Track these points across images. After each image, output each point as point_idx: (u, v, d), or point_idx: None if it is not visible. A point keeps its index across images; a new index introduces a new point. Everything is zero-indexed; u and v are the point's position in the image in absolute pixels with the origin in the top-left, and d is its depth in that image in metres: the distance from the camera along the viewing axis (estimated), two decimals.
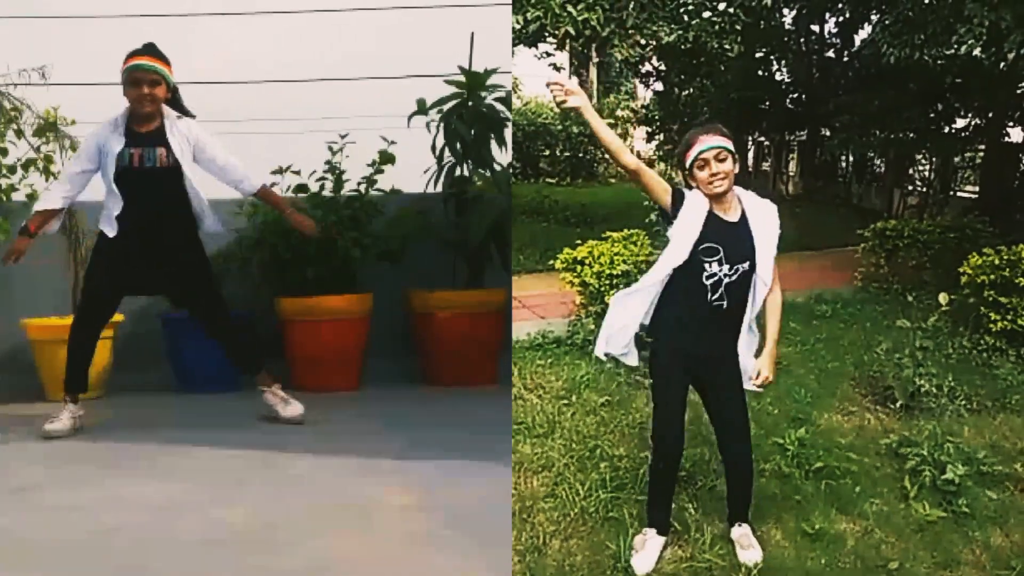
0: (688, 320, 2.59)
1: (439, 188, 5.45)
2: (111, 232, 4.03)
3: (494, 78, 5.39)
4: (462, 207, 5.37)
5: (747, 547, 2.71)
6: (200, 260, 4.21)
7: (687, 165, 2.55)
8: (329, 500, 2.96)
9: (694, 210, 2.54)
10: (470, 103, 5.37)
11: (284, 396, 4.24)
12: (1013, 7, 4.54)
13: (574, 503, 3.04)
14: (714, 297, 2.54)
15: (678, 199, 2.56)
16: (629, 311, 2.66)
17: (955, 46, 4.89)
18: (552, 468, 3.33)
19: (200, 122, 4.18)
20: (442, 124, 5.37)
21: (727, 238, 2.54)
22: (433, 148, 5.42)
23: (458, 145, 5.35)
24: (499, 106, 5.41)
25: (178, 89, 4.12)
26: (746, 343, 2.67)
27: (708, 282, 2.53)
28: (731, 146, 2.53)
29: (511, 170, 5.75)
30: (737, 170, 2.56)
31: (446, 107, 5.38)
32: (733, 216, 2.58)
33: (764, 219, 2.58)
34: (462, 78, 5.38)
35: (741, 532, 2.75)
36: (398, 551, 2.48)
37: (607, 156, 15.16)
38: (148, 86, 3.93)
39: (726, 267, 2.52)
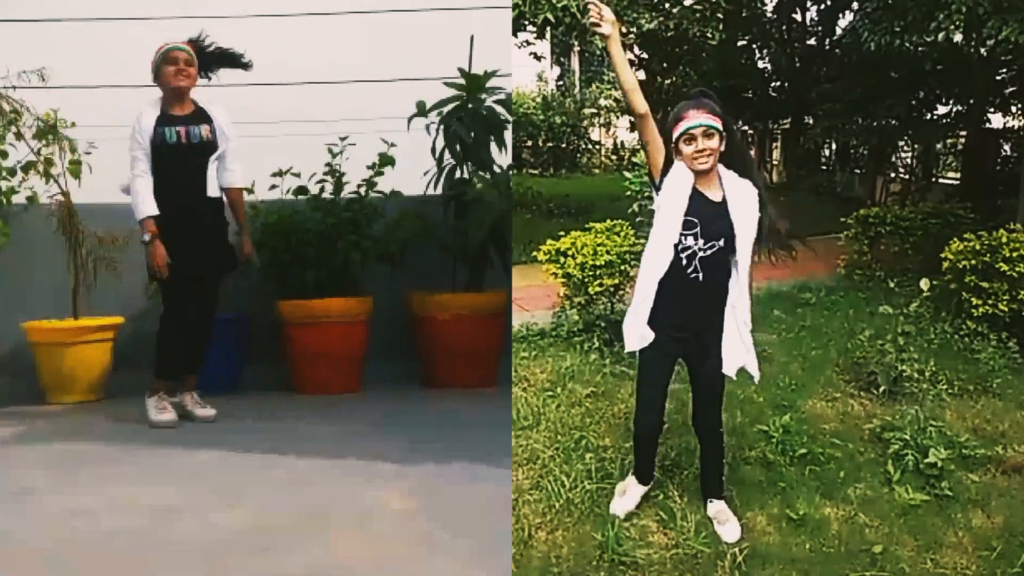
0: (668, 291, 2.62)
1: (439, 190, 5.44)
2: (155, 211, 4.11)
3: (493, 80, 5.38)
4: (462, 209, 5.35)
5: (724, 522, 2.77)
6: (228, 245, 4.39)
7: (674, 139, 2.56)
8: (329, 502, 2.95)
9: (680, 184, 2.56)
10: (470, 105, 5.36)
11: (199, 401, 4.40)
12: None
13: (560, 494, 3.03)
14: (688, 270, 2.59)
15: (667, 165, 2.58)
16: (650, 298, 2.65)
17: (934, 33, 4.91)
18: (537, 460, 3.32)
19: None
20: (442, 126, 5.36)
21: (706, 214, 2.56)
22: (433, 150, 5.41)
23: (458, 147, 5.33)
24: (499, 108, 5.40)
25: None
26: (736, 333, 2.66)
27: (683, 255, 2.57)
28: (719, 125, 2.53)
29: (511, 172, 5.73)
30: (723, 148, 2.56)
31: (446, 109, 5.37)
32: (715, 195, 2.60)
33: (744, 200, 2.59)
34: (462, 80, 5.37)
35: (717, 508, 2.82)
36: (398, 554, 2.47)
37: (590, 147, 15.17)
38: (184, 63, 4.19)
39: (701, 241, 2.56)
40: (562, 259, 4.96)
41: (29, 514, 2.92)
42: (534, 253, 5.26)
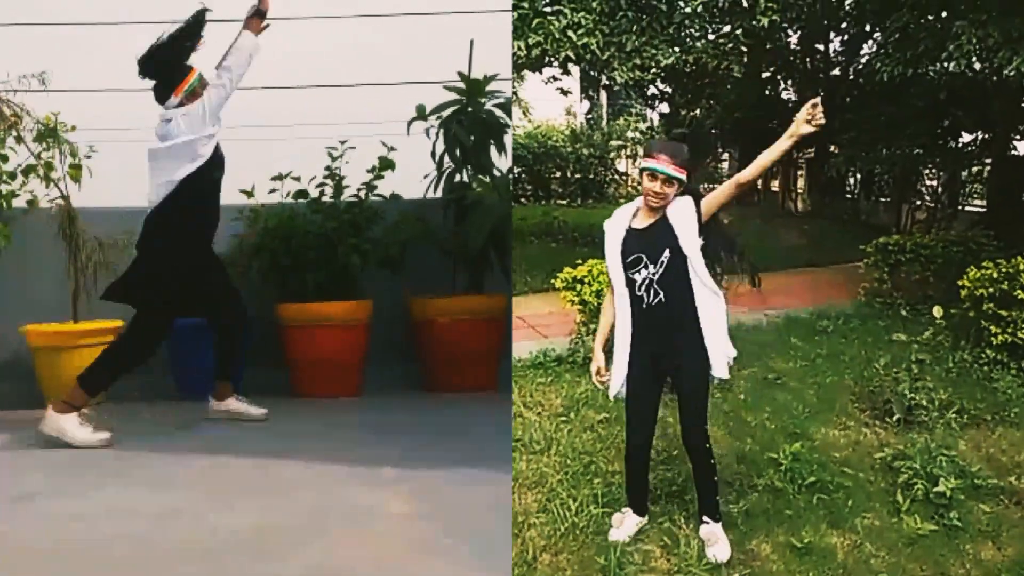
0: (638, 322, 2.79)
1: (439, 194, 5.47)
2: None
3: (493, 84, 5.43)
4: (462, 213, 5.38)
5: (714, 543, 2.83)
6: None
7: (640, 168, 2.77)
8: (329, 507, 2.98)
9: (612, 241, 2.82)
10: (469, 109, 5.41)
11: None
12: (1000, 24, 4.57)
13: (565, 518, 3.07)
14: (650, 297, 2.75)
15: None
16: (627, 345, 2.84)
17: (946, 62, 4.93)
18: (546, 484, 3.36)
19: None
20: (442, 130, 5.42)
21: (645, 242, 2.76)
22: (433, 154, 5.46)
23: (458, 151, 5.38)
24: (499, 112, 5.45)
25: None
26: (718, 338, 2.77)
27: (641, 288, 2.75)
28: (682, 176, 2.71)
29: (511, 176, 5.78)
30: (675, 196, 2.74)
31: (446, 113, 5.42)
32: (647, 221, 2.79)
33: (682, 210, 2.74)
34: (462, 84, 5.43)
35: (709, 530, 2.88)
36: (398, 559, 2.50)
37: (616, 177, 15.32)
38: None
39: (651, 267, 2.74)
40: (578, 286, 5.02)
41: (29, 519, 2.94)
42: (552, 280, 5.33)
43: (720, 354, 2.78)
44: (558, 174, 16.60)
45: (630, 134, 18.17)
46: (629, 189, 18.57)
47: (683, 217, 2.73)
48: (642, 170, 2.75)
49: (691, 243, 2.71)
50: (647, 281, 2.74)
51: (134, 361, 4.20)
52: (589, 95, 19.85)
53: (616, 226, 2.84)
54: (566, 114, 18.41)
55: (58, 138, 4.97)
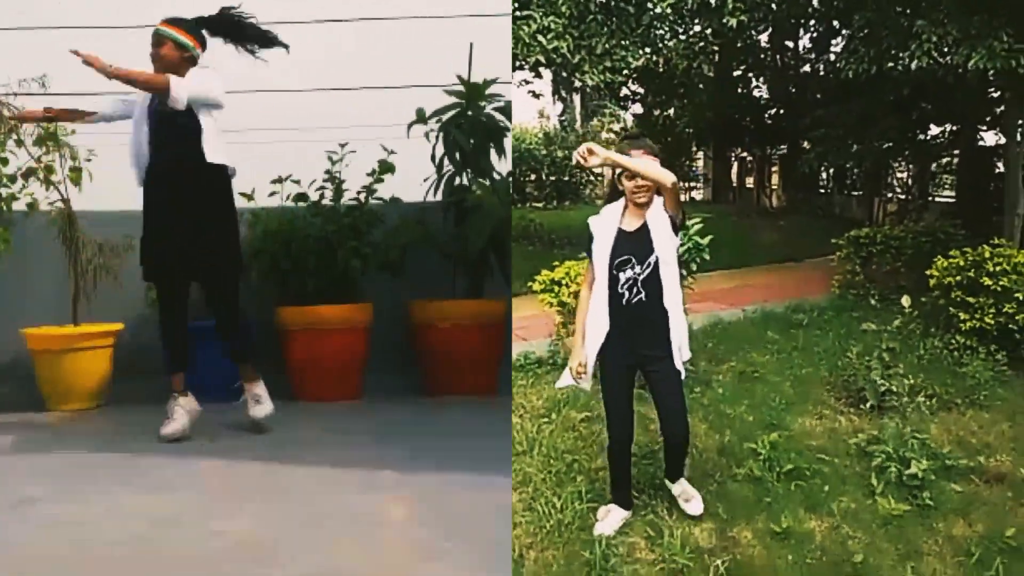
0: (618, 319, 2.87)
1: (438, 197, 5.49)
2: (138, 182, 4.12)
3: (493, 88, 5.47)
4: (461, 216, 5.39)
5: (689, 499, 3.03)
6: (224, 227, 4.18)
7: (617, 173, 2.84)
8: (329, 511, 2.99)
9: (605, 231, 2.88)
10: (469, 113, 5.45)
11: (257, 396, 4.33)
12: (958, 22, 4.71)
13: (551, 516, 3.12)
14: (632, 295, 2.84)
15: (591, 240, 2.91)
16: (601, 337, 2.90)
17: (908, 60, 5.06)
18: (530, 484, 3.42)
19: None
20: (441, 133, 5.44)
21: (634, 243, 2.84)
22: (432, 157, 5.48)
23: (457, 154, 5.41)
24: (498, 116, 5.48)
25: (195, 50, 4.22)
26: (681, 338, 2.88)
27: (625, 286, 2.84)
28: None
29: (510, 179, 5.81)
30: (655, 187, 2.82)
31: (445, 117, 5.45)
32: (638, 223, 2.86)
33: (660, 216, 2.84)
34: (461, 88, 5.47)
35: (681, 488, 3.07)
36: (398, 563, 2.52)
37: (592, 178, 15.44)
38: (154, 47, 4.14)
39: (638, 268, 2.83)
40: (556, 288, 5.08)
41: (29, 522, 2.94)
42: (530, 284, 5.38)
43: (680, 355, 2.88)
44: (533, 177, 16.67)
45: (604, 135, 18.29)
46: (605, 190, 18.69)
47: (662, 222, 2.82)
48: (619, 174, 2.83)
49: (669, 248, 2.82)
50: (631, 280, 2.82)
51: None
52: (562, 97, 19.97)
53: (606, 225, 2.89)
54: (539, 117, 18.49)
55: (58, 141, 4.98)
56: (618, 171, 2.85)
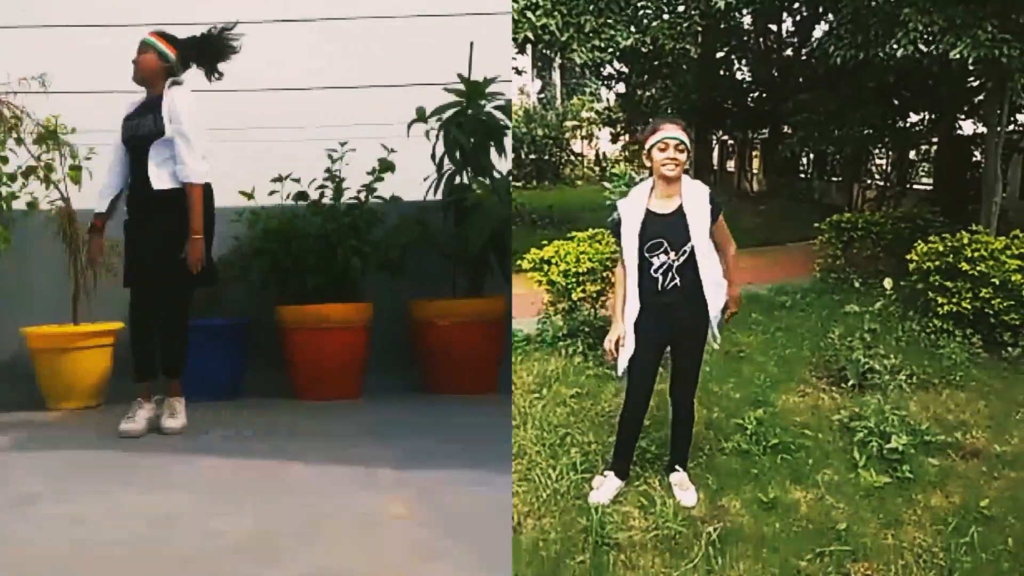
0: (651, 305, 2.93)
1: (439, 196, 5.49)
2: (102, 209, 4.21)
3: (493, 86, 5.47)
4: (461, 215, 5.39)
5: (685, 489, 3.09)
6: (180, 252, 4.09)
7: (648, 147, 2.87)
8: (329, 509, 2.98)
9: (633, 211, 2.92)
10: (469, 111, 5.44)
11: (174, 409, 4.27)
12: (944, 11, 4.82)
13: (547, 485, 3.22)
14: (666, 281, 2.88)
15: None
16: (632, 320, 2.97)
17: (895, 48, 5.16)
18: (525, 456, 3.51)
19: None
20: (441, 132, 5.43)
21: (666, 229, 2.87)
22: (433, 156, 5.47)
23: (457, 153, 5.40)
24: (498, 114, 5.48)
25: (176, 62, 4.22)
26: (715, 302, 2.95)
27: (659, 272, 2.87)
28: (688, 142, 2.87)
29: (511, 178, 5.81)
30: (687, 165, 2.88)
31: (445, 115, 5.43)
32: (671, 207, 2.89)
33: (696, 201, 2.89)
34: (461, 86, 5.46)
35: (679, 477, 3.14)
36: (398, 562, 2.50)
37: (572, 159, 15.42)
38: (138, 53, 4.18)
39: (672, 254, 2.86)
40: (546, 267, 5.15)
41: (29, 522, 2.91)
42: (518, 262, 5.43)
43: (711, 338, 3.00)
44: (513, 156, 16.66)
45: (585, 114, 18.27)
46: (585, 171, 18.73)
47: (699, 207, 2.85)
48: (651, 147, 2.84)
49: (704, 234, 2.84)
50: (665, 266, 2.85)
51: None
52: (541, 75, 19.89)
53: (634, 207, 2.91)
54: (520, 94, 18.38)
55: (58, 140, 4.96)
56: (647, 146, 2.87)
